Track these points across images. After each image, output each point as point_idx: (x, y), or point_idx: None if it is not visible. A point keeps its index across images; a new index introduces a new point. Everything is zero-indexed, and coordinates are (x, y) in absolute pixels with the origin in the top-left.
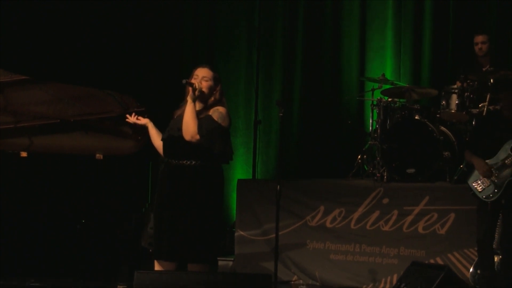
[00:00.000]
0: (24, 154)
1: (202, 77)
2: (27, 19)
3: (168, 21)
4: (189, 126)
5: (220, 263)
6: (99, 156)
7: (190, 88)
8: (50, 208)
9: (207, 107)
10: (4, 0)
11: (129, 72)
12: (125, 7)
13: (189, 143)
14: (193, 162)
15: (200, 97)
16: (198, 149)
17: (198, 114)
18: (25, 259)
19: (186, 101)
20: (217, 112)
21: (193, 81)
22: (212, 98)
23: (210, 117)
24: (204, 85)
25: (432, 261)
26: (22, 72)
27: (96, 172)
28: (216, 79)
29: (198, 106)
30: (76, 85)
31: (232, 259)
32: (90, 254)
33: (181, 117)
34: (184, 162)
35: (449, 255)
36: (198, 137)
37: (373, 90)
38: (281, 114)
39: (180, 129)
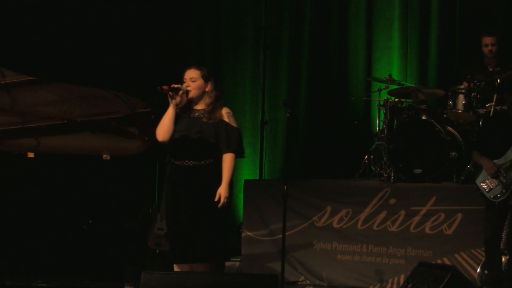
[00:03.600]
0: (31, 154)
1: (189, 78)
2: (34, 20)
3: (175, 22)
4: (165, 127)
5: (226, 263)
6: (106, 156)
7: (169, 94)
8: (57, 209)
9: (211, 108)
10: (11, 1)
11: (135, 72)
12: (132, 7)
13: (204, 144)
14: (207, 162)
15: (194, 97)
16: (212, 150)
17: (205, 115)
18: (32, 259)
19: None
20: (229, 116)
21: (178, 85)
22: (207, 97)
23: (228, 125)
24: (193, 86)
25: (439, 261)
26: (29, 72)
27: (103, 173)
28: (204, 77)
29: (200, 106)
30: (82, 86)
31: (239, 259)
32: (97, 254)
33: (194, 119)
34: (198, 163)
35: (456, 255)
36: (167, 140)
37: (379, 90)
38: (288, 115)
39: (199, 131)
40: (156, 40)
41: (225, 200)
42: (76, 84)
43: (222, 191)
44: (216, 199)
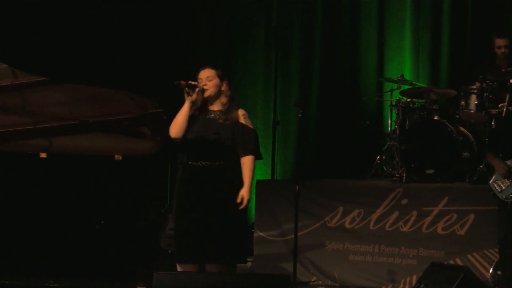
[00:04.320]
0: (43, 155)
1: (206, 77)
2: (46, 21)
3: (186, 22)
4: (179, 124)
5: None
6: (118, 157)
7: (185, 90)
8: (69, 209)
9: (226, 109)
10: (22, 2)
11: (146, 73)
12: (143, 8)
13: (220, 146)
14: (222, 163)
15: (211, 96)
16: (226, 151)
17: (221, 116)
18: (44, 259)
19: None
20: (246, 118)
21: (195, 83)
22: (223, 96)
23: (245, 127)
24: (210, 84)
25: (451, 261)
26: (40, 73)
27: (115, 173)
28: (220, 76)
29: (216, 107)
30: (94, 86)
31: (251, 259)
32: (109, 254)
33: (210, 120)
34: (214, 163)
35: (469, 255)
36: (180, 137)
37: (391, 90)
38: (300, 115)
39: (216, 133)
40: (167, 40)
41: (247, 203)
42: (88, 84)
43: (245, 193)
44: (238, 201)
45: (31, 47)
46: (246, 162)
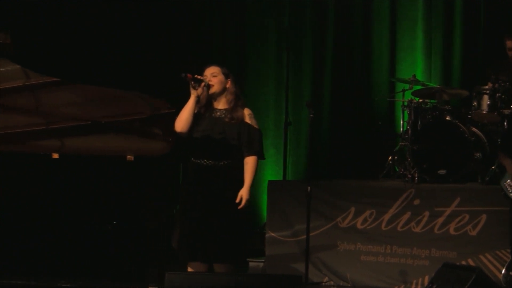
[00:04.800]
0: (55, 155)
1: (210, 74)
2: (58, 22)
3: (197, 22)
4: (185, 119)
5: (250, 264)
6: (129, 157)
7: (191, 83)
8: (81, 209)
9: (232, 107)
10: (35, 4)
11: (157, 73)
12: (153, 9)
13: (226, 145)
14: (227, 162)
15: (215, 92)
16: (231, 151)
17: (227, 115)
18: (56, 260)
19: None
20: (251, 117)
21: (201, 77)
22: (228, 94)
23: (251, 127)
24: (215, 80)
25: (463, 262)
26: (53, 74)
27: (127, 173)
28: (225, 73)
29: (222, 105)
30: (106, 87)
31: (263, 260)
32: (121, 255)
33: (216, 119)
34: (219, 162)
35: (481, 256)
36: (185, 131)
37: (403, 91)
38: (312, 115)
39: (222, 132)
40: (178, 41)
41: (246, 203)
42: (100, 85)
43: (244, 193)
44: (237, 201)
45: (43, 48)
46: (249, 162)
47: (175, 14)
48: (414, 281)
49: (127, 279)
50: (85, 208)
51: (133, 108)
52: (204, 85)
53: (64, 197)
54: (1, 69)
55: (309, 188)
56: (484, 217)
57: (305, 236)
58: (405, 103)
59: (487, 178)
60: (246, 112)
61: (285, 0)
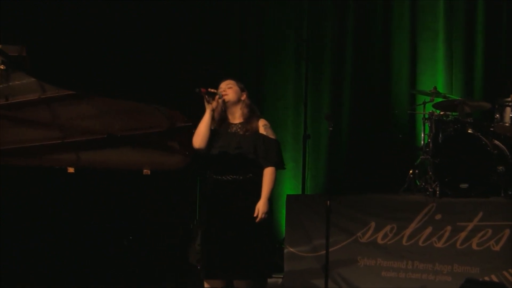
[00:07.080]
0: (71, 169)
1: (226, 85)
2: (74, 35)
3: (215, 35)
4: (202, 134)
5: (269, 280)
6: (146, 171)
7: (205, 97)
8: (97, 224)
9: (246, 119)
10: (50, 15)
11: (175, 86)
12: (170, 23)
13: (244, 159)
14: (246, 176)
15: (230, 102)
16: (251, 164)
17: (242, 128)
18: (71, 274)
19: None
20: (266, 128)
21: (214, 90)
22: (243, 106)
23: (266, 137)
24: (229, 91)
25: (486, 278)
26: (69, 86)
27: (143, 188)
28: (241, 88)
29: (237, 119)
30: (122, 100)
31: (282, 276)
32: (137, 270)
33: (232, 134)
34: (238, 177)
35: (504, 272)
36: (203, 147)
37: (424, 103)
38: (331, 128)
39: (238, 147)
40: (196, 54)
41: (264, 216)
42: (116, 98)
43: (260, 206)
44: (255, 214)
45: (59, 61)
46: (266, 173)
47: (192, 28)
48: None
49: None
50: (101, 222)
51: (150, 121)
52: (218, 98)
53: (79, 211)
54: (17, 82)
55: (328, 202)
56: (507, 232)
57: (324, 252)
58: (426, 116)
59: (510, 192)
60: (261, 123)
61: (304, 12)
